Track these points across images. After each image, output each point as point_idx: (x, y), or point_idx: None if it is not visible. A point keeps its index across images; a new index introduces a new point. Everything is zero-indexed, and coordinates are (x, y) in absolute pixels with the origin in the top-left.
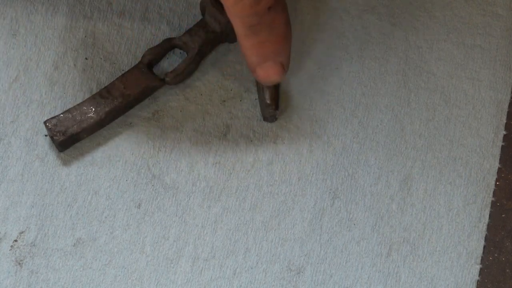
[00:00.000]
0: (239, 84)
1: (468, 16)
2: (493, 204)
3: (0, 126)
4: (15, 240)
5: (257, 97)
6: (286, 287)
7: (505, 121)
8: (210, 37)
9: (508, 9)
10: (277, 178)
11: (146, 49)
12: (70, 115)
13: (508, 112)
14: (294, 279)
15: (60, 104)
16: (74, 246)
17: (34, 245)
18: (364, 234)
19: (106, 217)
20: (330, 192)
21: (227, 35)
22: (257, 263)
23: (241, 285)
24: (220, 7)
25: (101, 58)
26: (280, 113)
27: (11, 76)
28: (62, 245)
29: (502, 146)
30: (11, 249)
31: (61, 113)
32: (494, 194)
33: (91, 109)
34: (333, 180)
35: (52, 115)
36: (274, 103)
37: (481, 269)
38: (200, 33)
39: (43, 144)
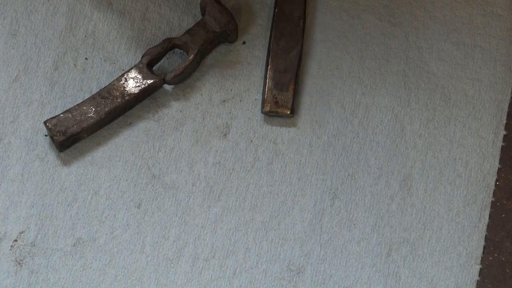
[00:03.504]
0: (239, 84)
1: (468, 16)
2: (493, 204)
3: (0, 126)
4: (15, 240)
5: (256, 97)
6: (286, 287)
7: (505, 121)
8: (210, 37)
9: (508, 9)
10: (277, 178)
11: (146, 49)
12: (70, 115)
13: (508, 112)
14: (294, 279)
15: (60, 104)
16: (74, 246)
17: (34, 245)
18: (364, 234)
19: (106, 217)
20: (330, 192)
21: (227, 35)
22: (257, 263)
23: (241, 285)
24: (221, 7)
25: (101, 58)
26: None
27: (11, 76)
28: (62, 245)
29: (502, 146)
30: (11, 249)
31: (61, 113)
32: (494, 194)
33: (91, 109)
34: (333, 180)
35: (52, 115)
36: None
37: (481, 269)
38: (200, 33)
39: (43, 144)
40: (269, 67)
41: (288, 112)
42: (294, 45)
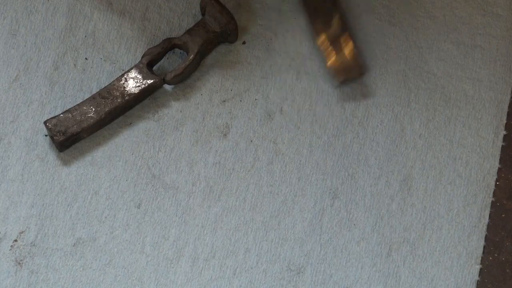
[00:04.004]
0: (239, 84)
1: (468, 16)
2: (493, 204)
3: (0, 126)
4: (15, 240)
5: (257, 97)
6: (286, 287)
7: (505, 121)
8: (210, 37)
9: (508, 9)
10: (277, 178)
11: (146, 49)
12: (70, 115)
13: (508, 112)
14: (294, 279)
15: (60, 104)
16: (74, 246)
17: (34, 245)
18: (364, 234)
19: (106, 217)
20: (330, 192)
21: (227, 35)
22: (257, 263)
23: (241, 285)
24: (221, 7)
25: (101, 58)
26: (280, 113)
27: (11, 76)
28: (62, 245)
29: (502, 146)
30: (11, 249)
31: (61, 113)
32: (494, 194)
33: (91, 109)
34: (333, 180)
35: (52, 115)
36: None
37: (481, 269)
38: (200, 33)
39: (43, 144)
40: (318, 42)
41: (361, 73)
42: (332, 14)
